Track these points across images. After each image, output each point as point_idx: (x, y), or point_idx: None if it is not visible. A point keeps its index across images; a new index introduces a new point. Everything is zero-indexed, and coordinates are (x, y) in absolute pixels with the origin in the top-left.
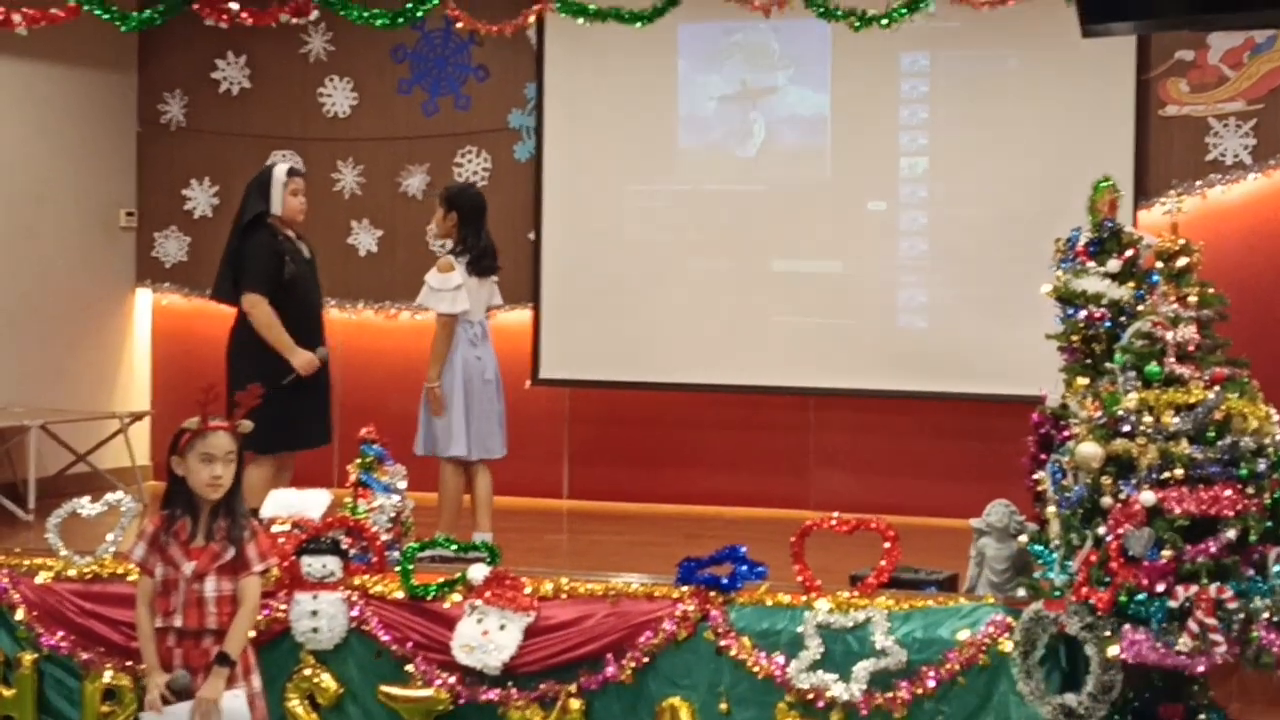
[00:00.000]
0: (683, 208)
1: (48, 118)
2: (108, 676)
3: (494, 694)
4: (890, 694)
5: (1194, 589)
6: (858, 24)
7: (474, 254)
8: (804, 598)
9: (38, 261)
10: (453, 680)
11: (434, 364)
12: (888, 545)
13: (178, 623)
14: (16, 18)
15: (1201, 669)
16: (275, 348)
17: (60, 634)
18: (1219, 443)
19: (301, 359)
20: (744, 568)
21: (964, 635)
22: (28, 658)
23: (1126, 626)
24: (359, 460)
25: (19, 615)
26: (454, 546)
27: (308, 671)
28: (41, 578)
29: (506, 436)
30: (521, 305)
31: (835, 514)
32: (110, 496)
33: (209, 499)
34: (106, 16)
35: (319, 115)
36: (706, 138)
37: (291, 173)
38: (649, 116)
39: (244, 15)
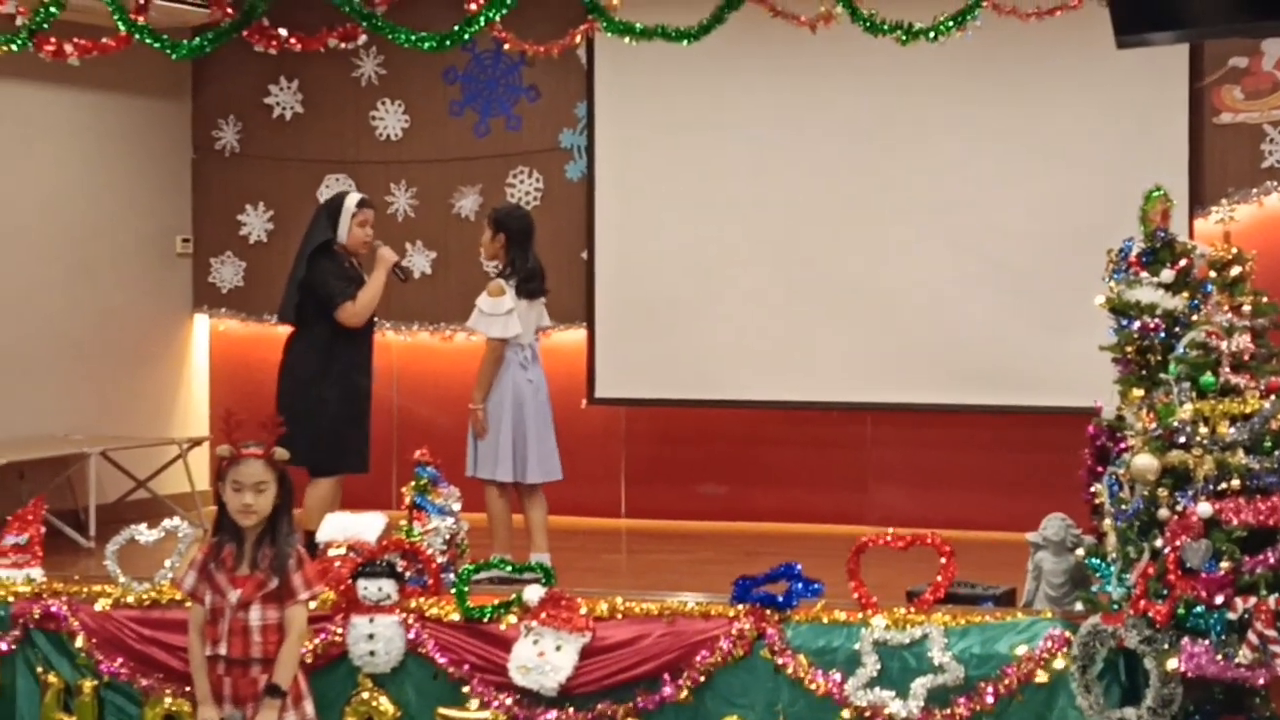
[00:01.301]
0: (735, 224)
1: (103, 147)
2: (167, 702)
3: (551, 715)
4: (948, 710)
5: (1253, 600)
6: (904, 38)
7: (522, 276)
8: (860, 614)
9: (96, 289)
10: (510, 702)
11: (480, 387)
12: (944, 560)
13: (223, 651)
14: (68, 48)
15: (1262, 681)
16: (379, 291)
17: (119, 660)
18: (1276, 452)
19: (381, 257)
20: (799, 585)
21: (1022, 650)
22: (88, 684)
23: (1185, 639)
24: (414, 483)
25: (79, 642)
26: (509, 568)
27: (365, 695)
28: (100, 605)
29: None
30: (575, 325)
31: (891, 530)
32: (168, 523)
33: (246, 526)
34: (157, 45)
35: (371, 138)
36: (758, 154)
37: (362, 204)
38: (700, 133)
39: (293, 41)
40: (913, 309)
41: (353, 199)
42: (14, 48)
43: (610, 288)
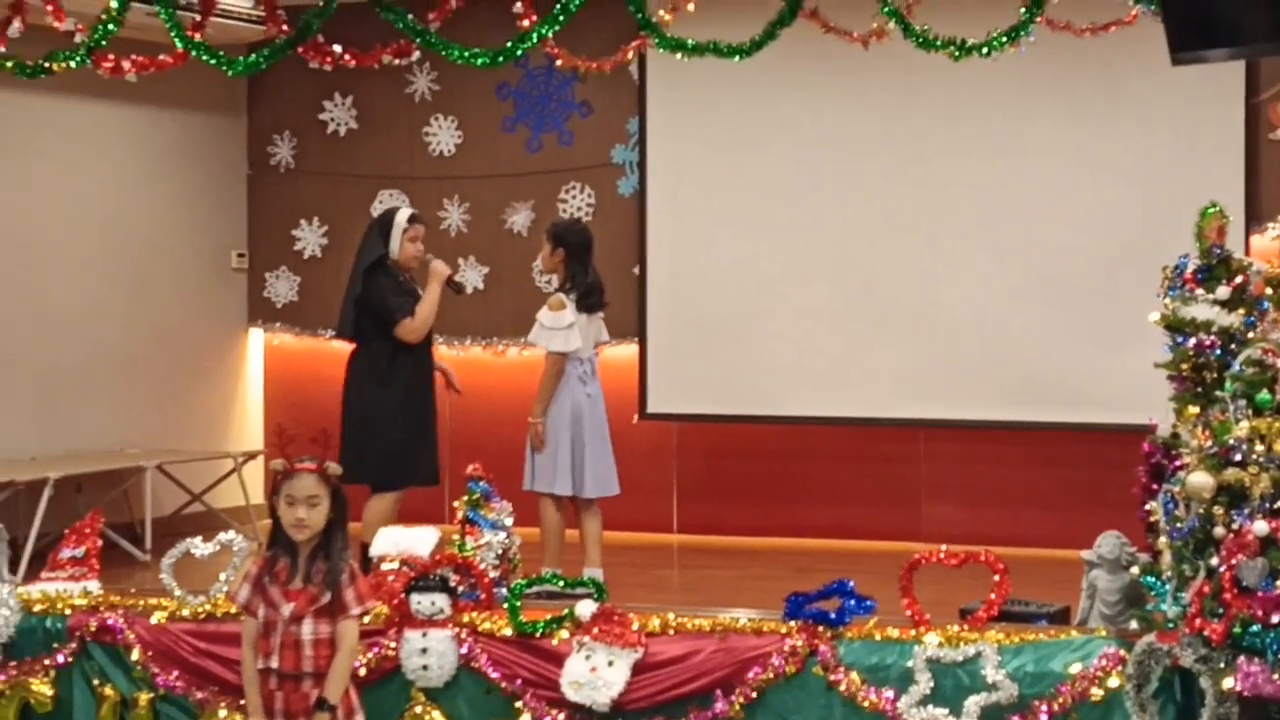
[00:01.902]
0: (786, 239)
1: (160, 162)
2: (222, 715)
3: None
4: None
5: None
6: (957, 54)
7: (581, 290)
8: (913, 632)
9: (152, 304)
10: (562, 717)
11: (540, 400)
12: (997, 578)
13: (275, 664)
14: (126, 65)
15: None
16: (435, 305)
17: (175, 673)
18: None
19: (434, 270)
20: (852, 602)
21: (1076, 668)
22: (144, 697)
23: (1241, 658)
24: (466, 497)
25: (134, 655)
26: (561, 583)
27: (418, 709)
28: (156, 618)
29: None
30: (627, 340)
31: (944, 547)
32: (223, 536)
33: (298, 541)
34: (214, 62)
35: (425, 154)
36: (809, 168)
37: (413, 219)
38: (752, 149)
39: (347, 57)
40: (965, 325)
41: (403, 214)
42: (73, 64)
43: (662, 303)
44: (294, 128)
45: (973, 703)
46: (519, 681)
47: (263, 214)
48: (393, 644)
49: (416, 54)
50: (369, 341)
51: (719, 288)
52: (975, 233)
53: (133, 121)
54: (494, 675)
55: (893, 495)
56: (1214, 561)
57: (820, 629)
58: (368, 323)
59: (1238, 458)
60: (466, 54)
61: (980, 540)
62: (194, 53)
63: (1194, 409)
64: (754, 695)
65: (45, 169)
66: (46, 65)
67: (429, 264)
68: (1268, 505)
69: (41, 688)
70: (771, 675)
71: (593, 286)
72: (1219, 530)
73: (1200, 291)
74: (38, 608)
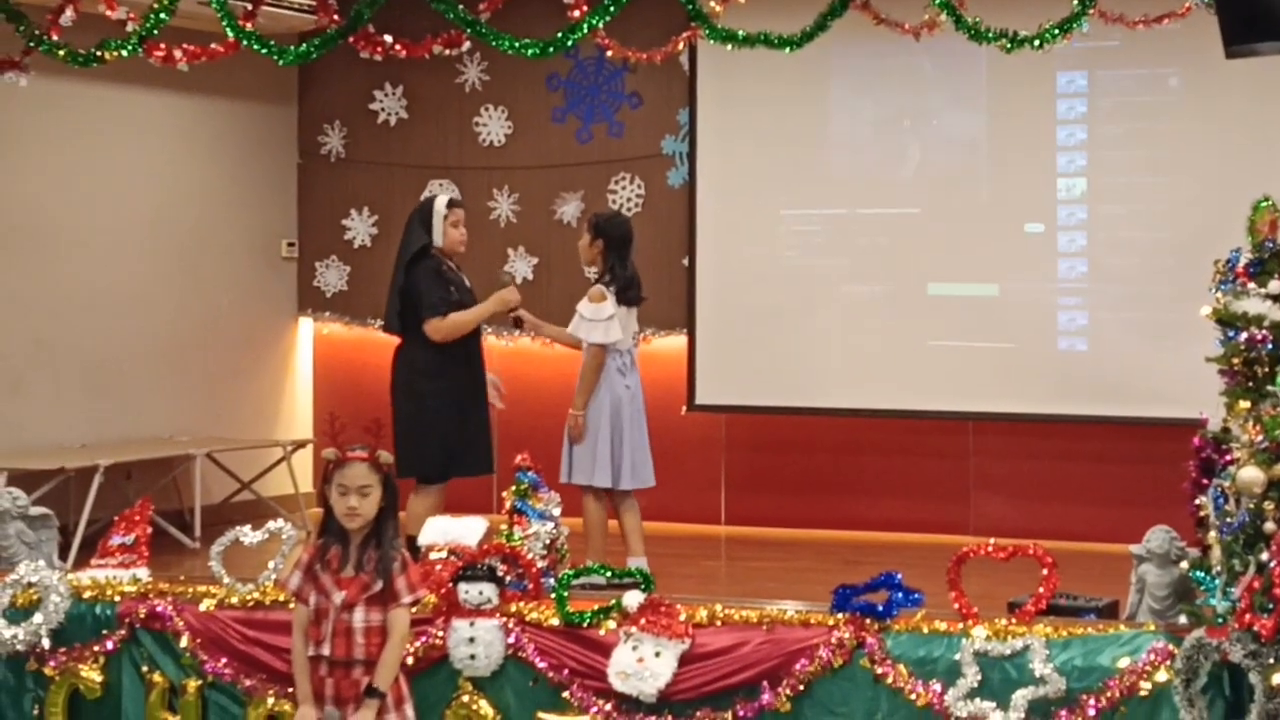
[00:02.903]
0: (837, 232)
1: (211, 151)
2: (270, 703)
3: None
4: None
5: None
6: (1009, 45)
7: (621, 284)
8: (961, 625)
9: (203, 292)
10: (609, 707)
11: (581, 393)
12: (1046, 571)
13: (326, 651)
14: (177, 54)
15: None
16: (476, 322)
17: (223, 661)
18: None
19: (500, 296)
20: (900, 594)
21: (1124, 663)
22: (192, 684)
23: None
24: (514, 487)
25: (183, 642)
26: (609, 573)
27: (465, 698)
28: (205, 605)
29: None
30: (676, 331)
31: (992, 540)
32: (271, 524)
33: (350, 529)
34: (264, 51)
35: (475, 144)
36: (861, 161)
37: (451, 204)
38: (802, 140)
39: (398, 47)
40: (1017, 318)
41: (442, 200)
42: (125, 53)
43: (711, 294)
44: (344, 117)
45: (1020, 696)
46: (566, 672)
47: (313, 203)
48: (440, 633)
49: (467, 44)
50: (416, 333)
51: (768, 279)
52: (1026, 226)
53: (183, 110)
54: (541, 665)
55: (941, 488)
56: (1264, 557)
57: (868, 622)
58: (412, 315)
59: None
60: (516, 44)
61: (1029, 534)
62: (245, 42)
63: (1245, 403)
64: (801, 687)
65: (96, 158)
66: (98, 54)
67: (503, 286)
68: None
69: (91, 674)
70: (818, 667)
71: (632, 280)
72: (1269, 525)
73: (1252, 286)
74: (87, 594)
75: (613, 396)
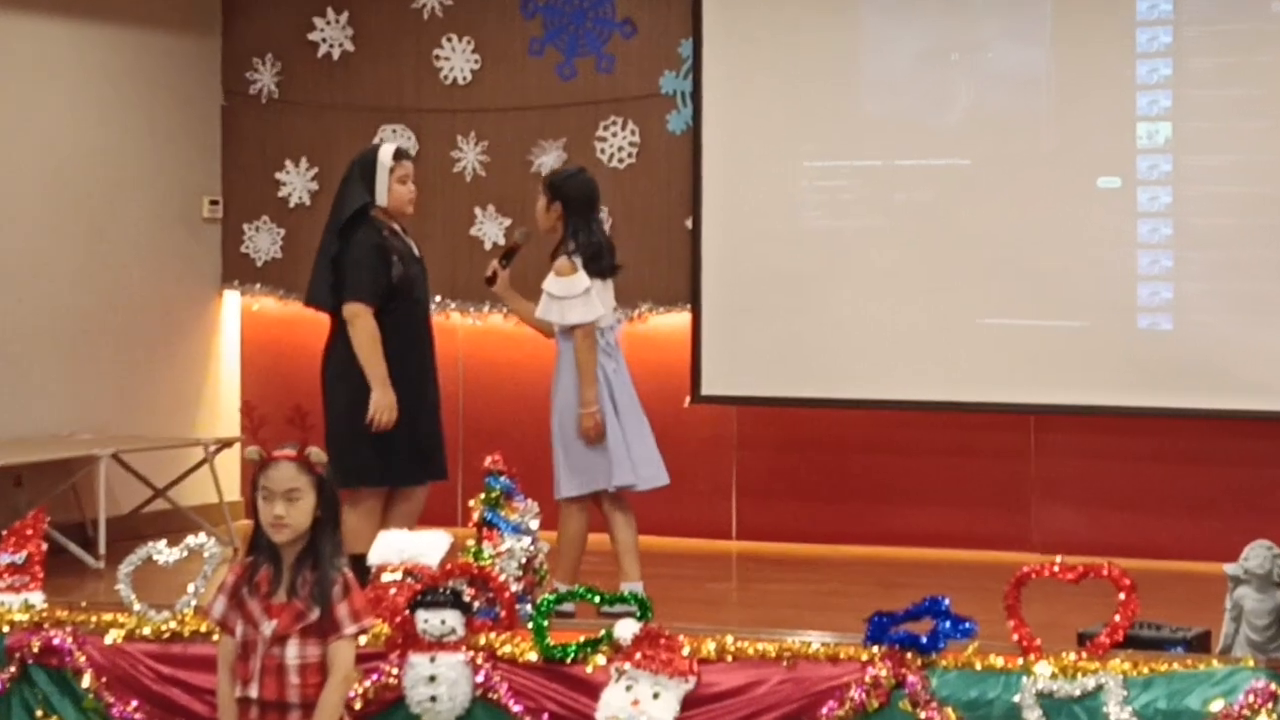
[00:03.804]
0: (871, 188)
1: (117, 91)
2: None
3: None
4: None
5: None
6: None
7: (587, 252)
8: (1021, 660)
9: (107, 261)
10: None
11: (586, 385)
12: (1123, 596)
13: (254, 693)
14: None
15: None
16: (366, 366)
17: (134, 704)
18: None
19: (382, 400)
20: (947, 624)
21: (1218, 706)
22: None
23: None
24: (483, 495)
25: (85, 682)
26: (597, 598)
27: None
28: (112, 637)
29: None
30: (677, 307)
31: (1058, 558)
32: (192, 540)
33: (279, 543)
34: None
35: (435, 82)
36: (898, 104)
37: (399, 155)
38: (829, 78)
39: None
40: (1088, 292)
41: (387, 151)
42: None
43: (719, 263)
44: (278, 50)
45: None
46: (546, 716)
47: (240, 153)
48: (395, 670)
49: None
50: None
51: (788, 244)
52: (1100, 181)
53: (85, 43)
54: (516, 708)
55: (997, 496)
56: None
57: (909, 656)
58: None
59: None
60: None
61: (1102, 550)
62: None
63: None
64: None
65: None
66: None
67: (380, 399)
68: None
69: None
70: (849, 711)
71: (600, 247)
72: None
73: None
74: None
75: (606, 382)
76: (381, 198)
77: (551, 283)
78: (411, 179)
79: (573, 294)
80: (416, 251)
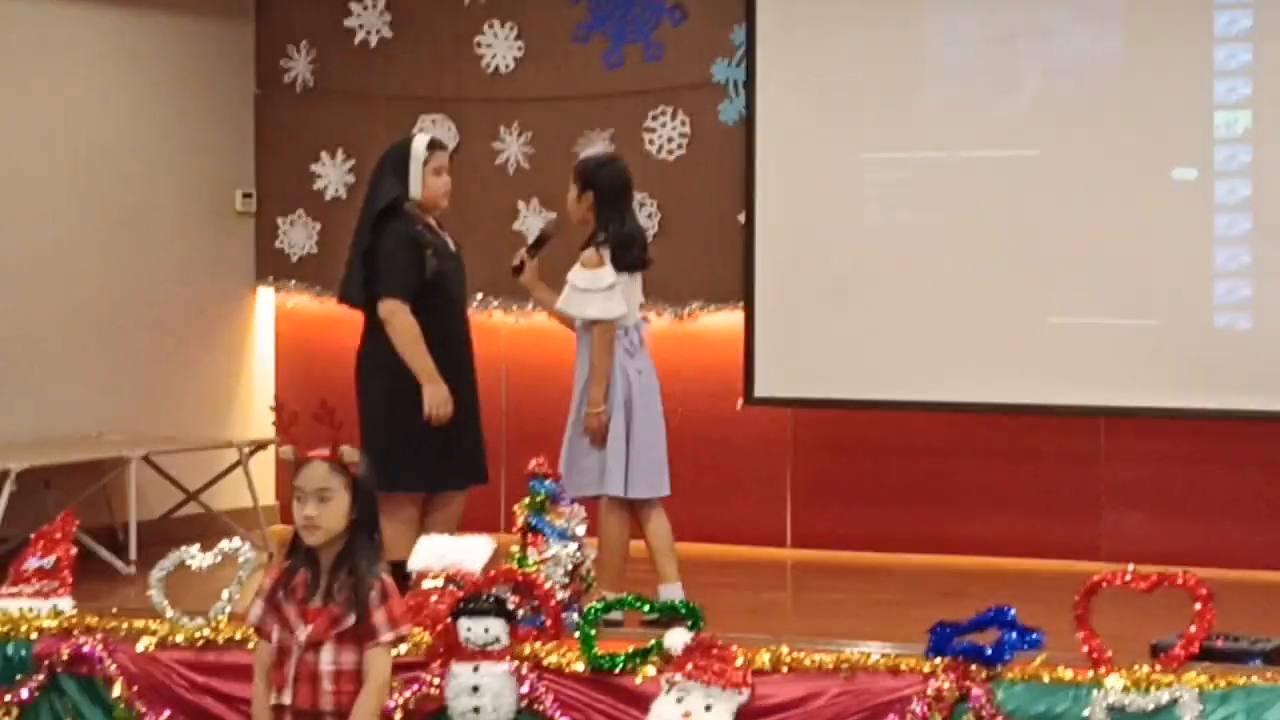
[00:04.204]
0: (933, 180)
1: (148, 80)
2: None
3: None
4: None
5: None
6: None
7: (617, 242)
8: (1091, 673)
9: (136, 257)
10: None
11: (596, 383)
12: (1199, 606)
13: (287, 699)
14: None
15: None
16: (410, 368)
17: (166, 713)
18: None
19: (436, 394)
20: (1014, 634)
21: None
22: None
23: None
24: (528, 500)
25: (116, 690)
26: (646, 606)
27: None
28: (143, 644)
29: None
30: (730, 306)
31: (1130, 566)
32: (226, 544)
33: (311, 544)
34: None
35: (476, 70)
36: (963, 92)
37: (433, 146)
38: (889, 66)
39: None
40: (1162, 289)
41: (420, 141)
42: None
43: (773, 259)
44: (313, 37)
45: None
46: None
47: (274, 145)
48: (437, 680)
49: None
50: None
51: (846, 239)
52: (1172, 171)
53: (112, 29)
54: None
55: (1065, 501)
56: None
57: (973, 668)
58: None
59: None
60: None
61: (1177, 559)
62: None
63: None
64: None
65: (4, 89)
66: None
67: (435, 392)
68: None
69: None
70: None
71: (630, 238)
72: None
73: None
74: None
75: (623, 384)
76: (415, 190)
77: (576, 274)
78: (446, 171)
79: (596, 288)
80: (452, 246)
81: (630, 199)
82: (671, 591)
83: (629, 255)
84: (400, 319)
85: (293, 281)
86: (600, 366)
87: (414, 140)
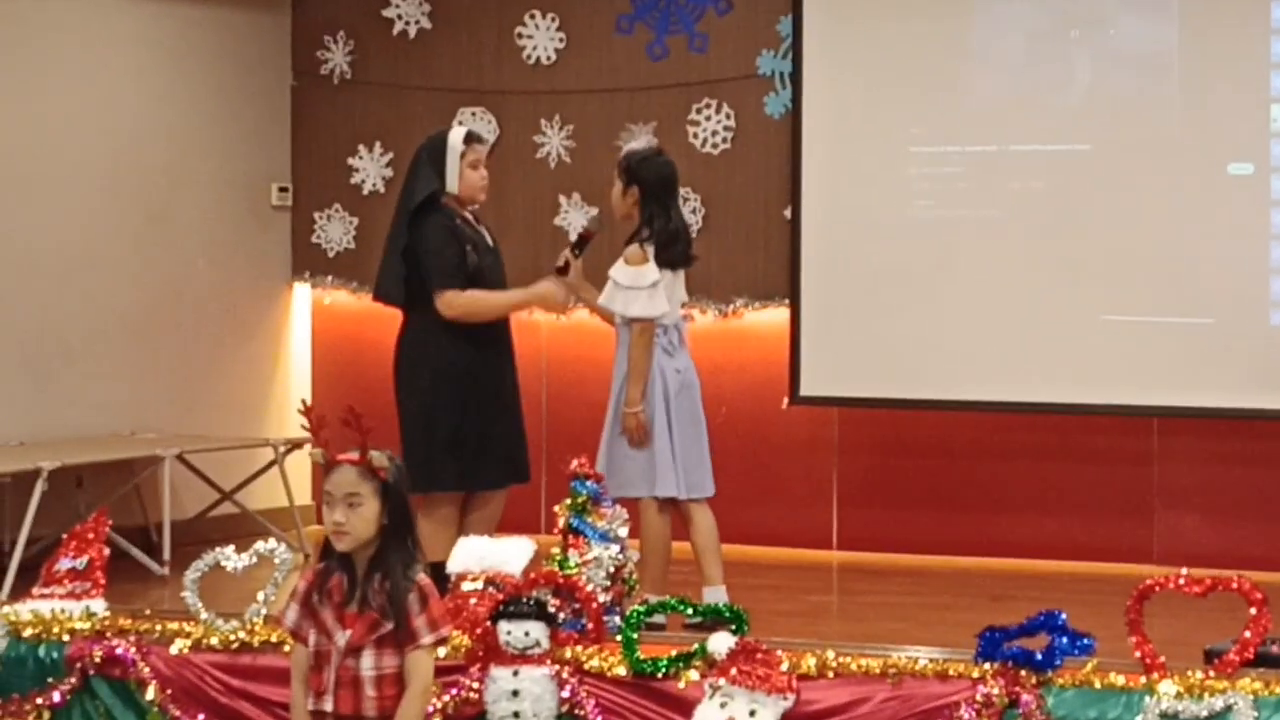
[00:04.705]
0: (983, 175)
1: (178, 71)
2: None
3: None
4: None
5: None
6: None
7: (662, 239)
8: (1144, 678)
9: (170, 253)
10: None
11: (635, 382)
12: (1254, 611)
13: (329, 706)
14: None
15: None
16: (501, 312)
17: (201, 717)
18: None
19: (541, 292)
20: (1064, 639)
21: None
22: None
23: None
24: (569, 501)
25: (150, 694)
26: (690, 610)
27: None
28: (177, 647)
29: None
30: (775, 303)
31: (1184, 570)
32: (261, 545)
33: (342, 550)
34: None
35: (517, 62)
36: (1014, 85)
37: (470, 139)
38: (938, 58)
39: None
40: (1216, 286)
41: (458, 134)
42: None
43: (820, 256)
44: (351, 27)
45: None
46: None
47: (310, 137)
48: (476, 684)
49: None
50: (424, 306)
51: (893, 235)
52: (1228, 165)
53: (146, 18)
54: None
55: (1117, 503)
56: None
57: (1023, 674)
58: (419, 281)
59: None
60: None
61: (1230, 562)
62: None
63: None
64: None
65: (39, 79)
66: None
67: (555, 272)
68: None
69: None
70: None
71: (675, 234)
72: None
73: None
74: (28, 632)
75: (662, 383)
76: (452, 184)
77: (619, 270)
78: (484, 164)
79: (639, 285)
80: (490, 241)
81: (676, 194)
82: (715, 594)
83: (673, 252)
84: (462, 302)
85: (329, 277)
86: (639, 365)
87: (450, 133)
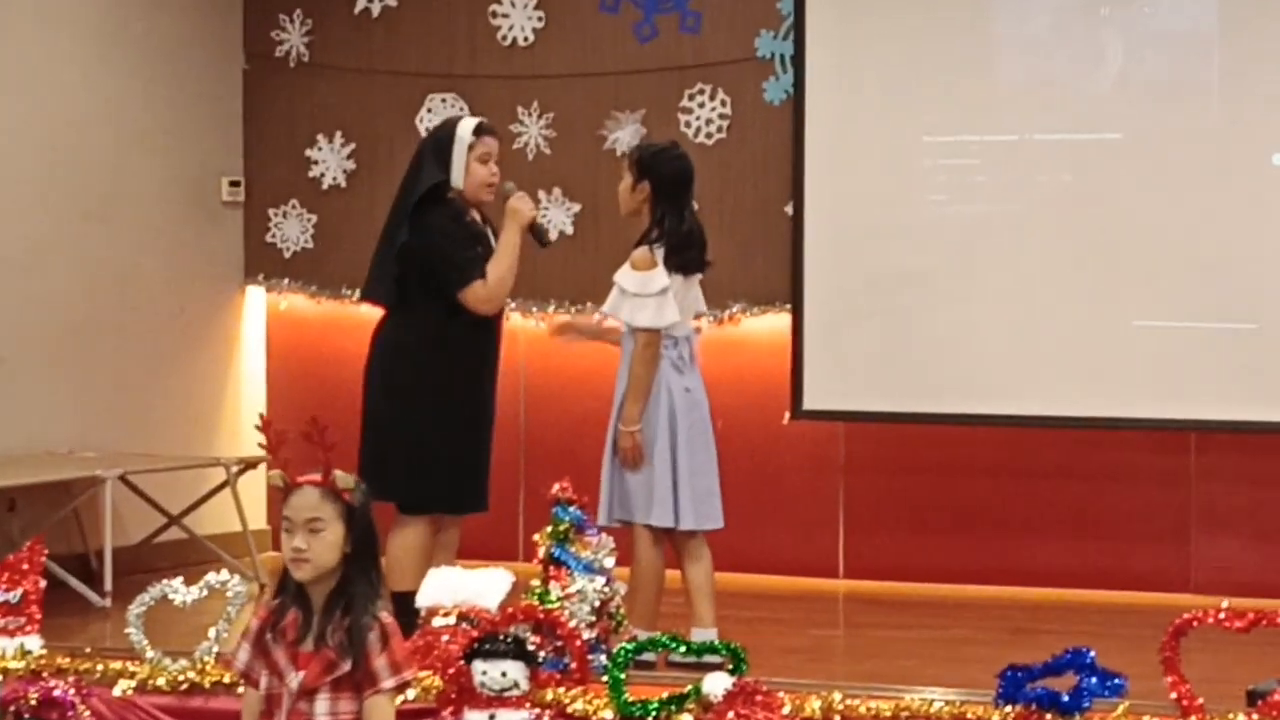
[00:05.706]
0: (1004, 167)
1: (124, 54)
2: None
3: None
4: None
5: None
6: None
7: (674, 241)
8: None
9: (111, 253)
10: None
11: (634, 399)
12: None
13: None
14: None
15: None
16: (513, 263)
17: None
18: None
19: (511, 208)
20: (1093, 679)
21: None
22: None
23: None
24: (550, 528)
25: None
26: (682, 648)
27: None
28: (121, 688)
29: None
30: (776, 308)
31: (1224, 602)
32: (212, 577)
33: (301, 580)
34: None
35: (492, 43)
36: (1038, 68)
37: (480, 131)
38: (955, 38)
39: None
40: (1258, 288)
41: (467, 125)
42: None
43: (824, 256)
44: (309, 5)
45: None
46: None
47: (265, 126)
48: None
49: None
50: (414, 309)
51: (905, 233)
52: (1272, 157)
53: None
54: None
55: (1151, 527)
56: None
57: (1048, 717)
58: (414, 282)
59: None
60: None
61: (1275, 593)
62: None
63: None
64: None
65: None
66: None
67: (507, 197)
68: None
69: None
70: None
71: (689, 237)
72: None
73: None
74: None
75: (668, 402)
76: (457, 178)
77: (625, 276)
78: (494, 159)
79: (647, 292)
80: (495, 242)
81: (690, 194)
82: (706, 637)
83: (684, 255)
84: (491, 289)
85: (285, 280)
86: (640, 380)
87: (459, 123)
